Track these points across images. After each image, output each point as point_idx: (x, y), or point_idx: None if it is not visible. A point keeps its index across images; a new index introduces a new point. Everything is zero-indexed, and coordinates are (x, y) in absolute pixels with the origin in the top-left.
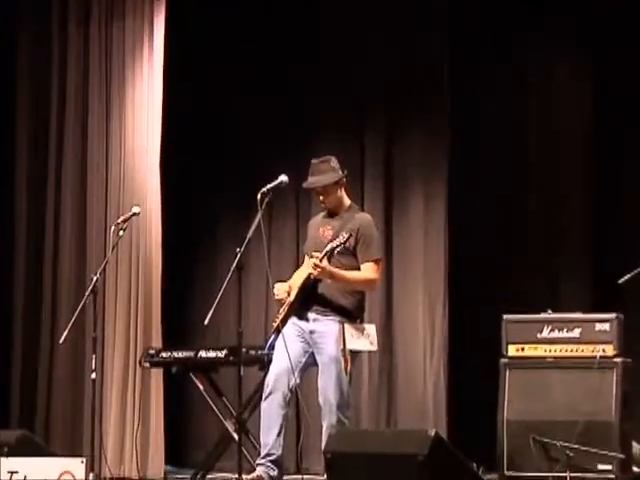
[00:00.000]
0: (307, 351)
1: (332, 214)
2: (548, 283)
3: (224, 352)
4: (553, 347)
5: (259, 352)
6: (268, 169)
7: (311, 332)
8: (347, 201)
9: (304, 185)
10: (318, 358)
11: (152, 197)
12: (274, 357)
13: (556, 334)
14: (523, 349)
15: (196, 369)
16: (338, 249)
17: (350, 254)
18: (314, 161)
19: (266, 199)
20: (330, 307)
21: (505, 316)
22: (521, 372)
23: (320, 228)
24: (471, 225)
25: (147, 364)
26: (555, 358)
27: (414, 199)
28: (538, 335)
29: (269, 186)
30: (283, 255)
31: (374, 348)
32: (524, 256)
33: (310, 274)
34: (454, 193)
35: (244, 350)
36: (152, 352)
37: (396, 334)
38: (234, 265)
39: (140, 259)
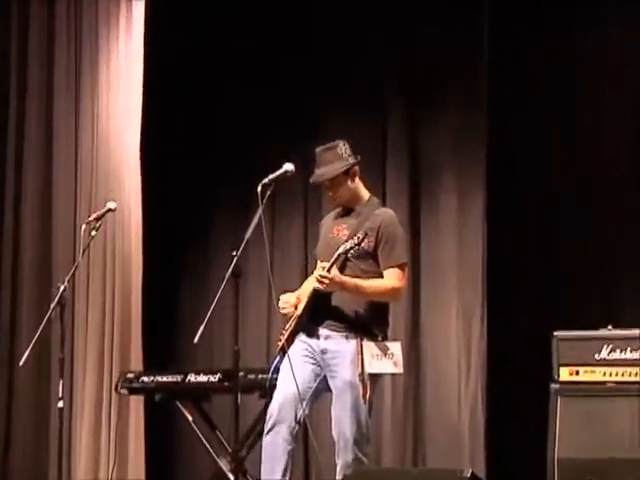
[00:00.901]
0: (318, 375)
1: (347, 210)
2: (607, 294)
3: (217, 376)
4: (614, 370)
5: (260, 376)
6: (270, 160)
7: (323, 352)
8: (364, 193)
9: (311, 180)
10: (331, 383)
11: (131, 191)
12: (278, 382)
13: (617, 355)
14: (578, 372)
15: (184, 396)
16: (351, 252)
17: (371, 258)
18: (318, 149)
19: (268, 192)
20: (346, 321)
21: (556, 333)
22: (575, 400)
23: (334, 228)
24: (514, 226)
25: (125, 390)
26: (616, 383)
27: (445, 195)
28: (596, 356)
29: (272, 176)
30: (289, 260)
31: (399, 371)
32: (578, 262)
33: (316, 288)
34: (494, 187)
35: (242, 374)
36: (131, 376)
37: (424, 354)
38: (229, 272)
39: (117, 264)
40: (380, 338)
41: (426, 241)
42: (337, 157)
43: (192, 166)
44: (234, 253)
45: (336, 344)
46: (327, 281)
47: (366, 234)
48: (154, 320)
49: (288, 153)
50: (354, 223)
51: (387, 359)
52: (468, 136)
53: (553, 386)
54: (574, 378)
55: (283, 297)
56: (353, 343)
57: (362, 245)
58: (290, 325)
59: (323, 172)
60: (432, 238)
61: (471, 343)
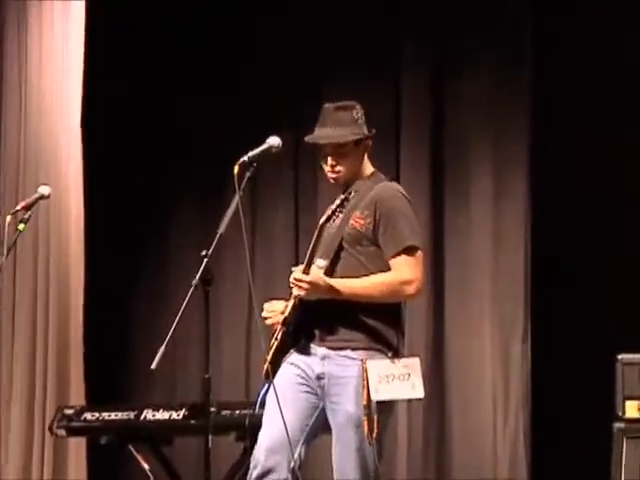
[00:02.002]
0: (316, 407)
1: (345, 193)
2: None
3: (182, 412)
4: None
5: (237, 412)
6: (252, 132)
7: (319, 377)
8: (369, 169)
9: (308, 139)
10: (331, 418)
11: (69, 174)
12: (264, 420)
13: None
14: None
15: (139, 439)
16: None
17: (372, 244)
18: (328, 105)
19: (248, 174)
20: (348, 334)
21: (621, 356)
22: None
23: (327, 212)
24: (566, 222)
25: (62, 431)
26: None
27: (477, 181)
28: None
29: (252, 153)
30: (274, 262)
31: (419, 394)
32: None
33: (295, 297)
34: (540, 172)
35: (213, 409)
36: (70, 413)
37: (450, 381)
38: (197, 278)
39: (51, 269)
40: (390, 354)
41: (452, 241)
42: (351, 120)
43: (146, 144)
44: (204, 254)
45: (336, 366)
46: (305, 285)
47: (362, 213)
48: (99, 341)
49: (274, 123)
50: (349, 204)
51: (399, 381)
52: (506, 105)
53: (617, 425)
54: None
55: (268, 306)
56: (358, 364)
57: (359, 228)
58: (275, 340)
59: (330, 133)
60: (460, 237)
61: (510, 367)
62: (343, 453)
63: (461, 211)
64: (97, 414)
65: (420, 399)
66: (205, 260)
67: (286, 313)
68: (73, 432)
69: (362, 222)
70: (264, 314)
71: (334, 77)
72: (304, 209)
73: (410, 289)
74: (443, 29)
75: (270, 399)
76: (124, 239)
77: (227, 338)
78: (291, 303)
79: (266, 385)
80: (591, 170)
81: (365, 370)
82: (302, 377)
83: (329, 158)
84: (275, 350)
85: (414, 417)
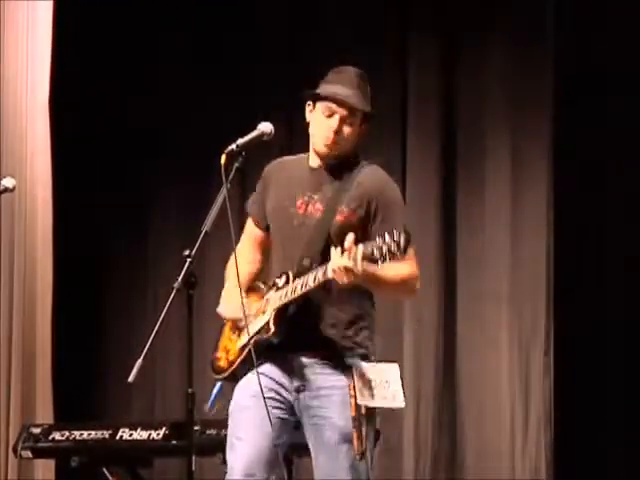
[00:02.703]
0: (287, 423)
1: (318, 170)
2: None
3: (162, 431)
4: None
5: (224, 432)
6: (239, 117)
7: (298, 389)
8: (355, 155)
9: (329, 93)
10: (312, 434)
11: (37, 163)
12: (230, 435)
13: None
14: None
15: (114, 460)
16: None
17: (361, 237)
18: (347, 67)
19: (236, 164)
20: (328, 339)
21: None
22: None
23: (298, 197)
24: (594, 216)
25: (27, 452)
26: None
27: (493, 168)
28: None
29: (241, 141)
30: (266, 264)
31: (399, 404)
32: None
33: (330, 281)
34: (564, 158)
35: (197, 428)
36: (36, 432)
37: (462, 398)
38: (180, 280)
39: (15, 271)
40: (373, 358)
41: (465, 236)
42: (366, 92)
43: (122, 131)
44: (187, 254)
45: (317, 375)
46: (351, 278)
47: (362, 203)
48: (69, 352)
49: (265, 108)
50: (330, 192)
51: (381, 388)
52: (527, 84)
53: None
54: None
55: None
56: (342, 374)
57: (347, 222)
58: (248, 339)
59: (355, 96)
60: (473, 232)
61: (530, 383)
62: (333, 473)
63: (474, 201)
64: (67, 433)
65: (401, 408)
66: (188, 261)
67: (271, 325)
68: (40, 453)
69: (352, 216)
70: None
71: (331, 60)
72: None
73: (417, 285)
74: (456, 3)
75: (235, 412)
76: (97, 238)
77: (212, 349)
78: (270, 313)
79: (218, 385)
80: (620, 158)
81: (353, 378)
82: (273, 389)
83: (337, 121)
84: (243, 356)
85: (422, 437)
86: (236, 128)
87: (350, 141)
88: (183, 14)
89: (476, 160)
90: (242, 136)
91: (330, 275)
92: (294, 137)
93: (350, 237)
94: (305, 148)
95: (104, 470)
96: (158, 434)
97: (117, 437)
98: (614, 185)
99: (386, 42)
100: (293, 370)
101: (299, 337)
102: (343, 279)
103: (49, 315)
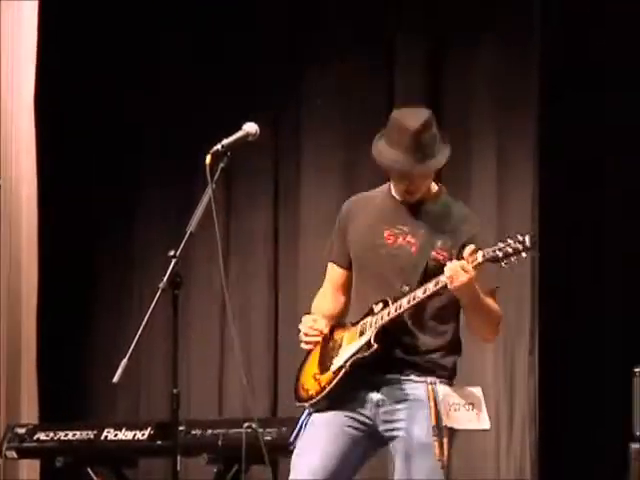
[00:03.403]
0: (358, 442)
1: (403, 204)
2: None
3: (147, 432)
4: None
5: (209, 432)
6: (226, 116)
7: (378, 404)
8: (433, 184)
9: (391, 164)
10: (392, 445)
11: (22, 162)
12: (300, 447)
13: None
14: None
15: (99, 461)
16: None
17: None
18: (411, 123)
19: (221, 164)
20: (412, 359)
21: (639, 369)
22: None
23: (384, 230)
24: (579, 216)
25: (12, 452)
26: None
27: (479, 169)
28: None
29: (226, 141)
30: (251, 264)
31: (485, 425)
32: None
33: (444, 283)
34: (550, 158)
35: (182, 428)
36: (21, 432)
37: None
38: (165, 281)
39: (1, 269)
40: (453, 382)
41: None
42: (435, 141)
43: (112, 129)
44: (172, 254)
45: (399, 390)
46: (467, 277)
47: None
48: (54, 352)
49: (251, 109)
50: (423, 226)
51: (465, 410)
52: (513, 84)
53: (634, 446)
54: None
55: (309, 319)
56: (423, 387)
57: (442, 260)
58: (346, 359)
59: (417, 163)
60: None
61: (515, 384)
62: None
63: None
64: (52, 433)
65: (486, 430)
66: (173, 261)
67: (372, 342)
68: (25, 453)
69: (446, 255)
70: (303, 329)
71: (317, 59)
72: (285, 205)
73: (499, 329)
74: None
75: (315, 424)
76: (82, 237)
77: (198, 349)
78: (372, 331)
79: (306, 413)
80: (606, 155)
81: (432, 391)
82: (360, 414)
83: (406, 185)
84: (337, 382)
85: None
86: (225, 129)
87: (427, 185)
88: (183, 14)
89: (462, 161)
90: (227, 137)
91: (445, 279)
92: (280, 141)
93: (470, 247)
94: (292, 153)
95: (89, 470)
96: (143, 434)
97: (102, 437)
98: (600, 184)
99: (374, 42)
100: (375, 385)
101: (391, 359)
102: (458, 278)
103: (34, 314)
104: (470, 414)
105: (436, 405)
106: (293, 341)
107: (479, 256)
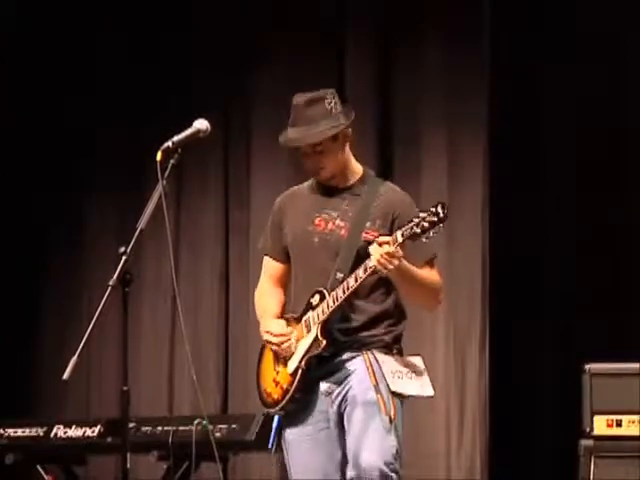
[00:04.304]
0: (335, 439)
1: (331, 190)
2: None
3: (97, 429)
4: None
5: (159, 429)
6: (177, 115)
7: (327, 393)
8: (356, 165)
9: (282, 141)
10: (345, 417)
11: None
12: (295, 464)
13: None
14: (620, 424)
15: (48, 458)
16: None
17: None
18: (297, 101)
19: (172, 161)
20: (352, 339)
21: (589, 366)
22: (616, 463)
23: (315, 216)
24: (529, 214)
25: None
26: None
27: (429, 168)
28: None
29: (177, 138)
30: (202, 260)
31: (428, 392)
32: (622, 268)
33: (373, 269)
34: (499, 157)
35: (132, 425)
36: None
37: None
38: (115, 277)
39: None
40: (395, 352)
41: None
42: (324, 113)
43: (58, 132)
44: (122, 251)
45: (340, 371)
46: (397, 262)
47: (424, 217)
48: (3, 352)
49: (202, 106)
50: (351, 209)
51: (408, 378)
52: (463, 82)
53: (584, 443)
54: (613, 432)
55: (278, 325)
56: (360, 357)
57: (371, 239)
58: (299, 360)
59: (303, 134)
60: None
61: (465, 381)
62: (361, 436)
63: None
64: (1, 430)
65: (431, 397)
66: (124, 258)
67: (320, 339)
68: None
69: (376, 234)
70: (275, 339)
71: (268, 56)
72: (235, 200)
73: (441, 297)
74: (392, 16)
75: (293, 445)
76: (31, 234)
77: (148, 345)
78: (317, 328)
79: (276, 419)
80: (556, 157)
81: (369, 358)
82: (323, 412)
83: (311, 160)
84: (298, 381)
85: None
86: (172, 127)
87: (335, 160)
88: (119, 14)
89: (413, 168)
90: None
91: (372, 266)
92: (230, 137)
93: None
94: (242, 148)
95: (38, 468)
96: (93, 431)
97: (51, 434)
98: (549, 183)
99: (324, 34)
100: (320, 376)
101: (336, 343)
102: (387, 266)
103: None
104: (413, 382)
105: (373, 369)
106: (244, 337)
107: (398, 235)
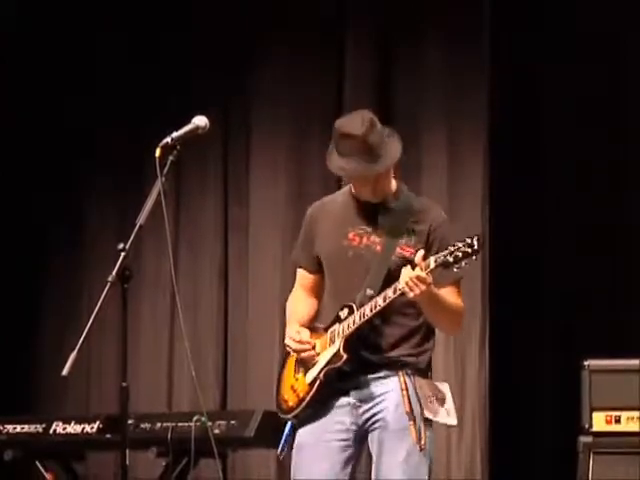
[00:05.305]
0: (350, 457)
1: (364, 202)
2: None
3: (96, 425)
4: None
5: (158, 425)
6: (175, 112)
7: (355, 406)
8: (393, 182)
9: (351, 175)
10: (373, 442)
11: None
12: (298, 471)
13: None
14: (618, 420)
15: (47, 454)
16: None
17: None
18: (351, 129)
19: (171, 157)
20: (386, 357)
21: (588, 362)
22: (614, 459)
23: (349, 231)
24: (530, 210)
25: None
26: None
27: (430, 166)
28: None
29: (176, 134)
30: (201, 258)
31: (453, 421)
32: (623, 264)
33: (402, 291)
34: (500, 155)
35: (131, 422)
36: None
37: None
38: (114, 274)
39: None
40: (429, 376)
41: None
42: (380, 135)
43: (58, 132)
44: (121, 247)
45: (371, 389)
46: (424, 287)
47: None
48: (3, 350)
49: (201, 103)
50: (386, 225)
51: (437, 404)
52: (463, 81)
53: (583, 439)
54: (613, 428)
55: (297, 332)
56: (395, 380)
57: (408, 257)
58: (319, 371)
59: (358, 166)
60: None
61: (465, 378)
62: (391, 464)
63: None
64: (0, 427)
65: (453, 426)
66: (122, 254)
67: (342, 353)
68: None
69: (412, 250)
70: (293, 345)
71: (268, 56)
72: (234, 198)
73: (462, 321)
74: (392, 16)
75: (302, 447)
76: (30, 230)
77: (147, 342)
78: (340, 341)
79: (289, 425)
80: (557, 155)
81: (405, 382)
82: (340, 422)
83: (363, 188)
84: (314, 393)
85: None
86: (172, 127)
87: (387, 184)
88: (119, 14)
89: (414, 167)
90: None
91: (401, 288)
92: (230, 135)
93: (420, 252)
94: (241, 146)
95: (37, 464)
96: (92, 428)
97: (51, 431)
98: (549, 182)
99: (325, 34)
100: (347, 390)
101: (365, 361)
102: (415, 291)
103: None
104: (441, 408)
105: (408, 393)
106: (243, 333)
107: (431, 262)
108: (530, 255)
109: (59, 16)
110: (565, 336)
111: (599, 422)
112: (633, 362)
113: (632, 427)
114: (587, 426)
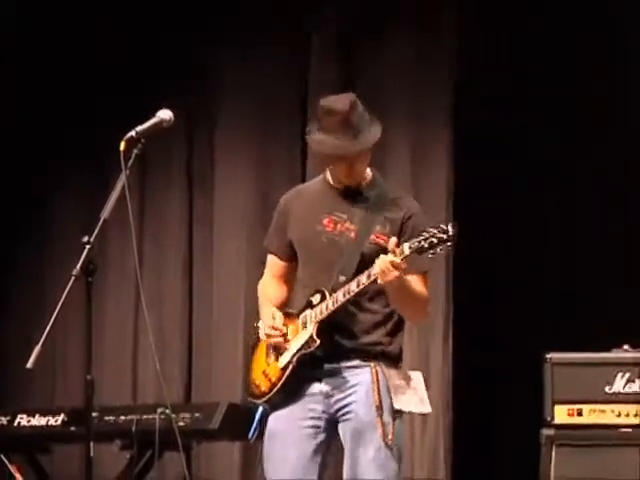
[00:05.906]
0: (321, 444)
1: (340, 190)
2: (620, 302)
3: (61, 418)
4: (632, 409)
5: (122, 418)
6: (143, 104)
7: (327, 395)
8: (368, 170)
9: (327, 150)
10: (342, 431)
11: None
12: (269, 459)
13: (638, 387)
14: (580, 413)
15: (12, 447)
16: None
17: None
18: (336, 106)
19: (135, 151)
20: (358, 345)
21: (550, 355)
22: (577, 452)
23: (324, 217)
24: (494, 204)
25: None
26: (635, 428)
27: (394, 161)
28: (607, 389)
29: (141, 128)
30: (165, 251)
31: (427, 409)
32: (583, 256)
33: (376, 277)
34: (463, 151)
35: (96, 414)
36: None
37: None
38: (78, 267)
39: None
40: (400, 365)
41: None
42: (362, 116)
43: (22, 130)
44: (85, 240)
45: (343, 377)
46: (397, 273)
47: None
48: None
49: (165, 95)
50: (360, 212)
51: (409, 394)
52: (426, 76)
53: (545, 432)
54: (575, 420)
55: (269, 315)
56: (367, 371)
57: (382, 244)
58: (291, 356)
59: (349, 142)
60: None
61: (429, 371)
62: (361, 462)
63: None
64: None
65: (427, 414)
66: (87, 248)
67: (315, 337)
68: None
69: (386, 238)
70: (266, 330)
71: (233, 45)
72: (199, 190)
73: (428, 311)
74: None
75: (273, 433)
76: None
77: (112, 335)
78: (313, 326)
79: (260, 410)
80: (518, 153)
81: (376, 374)
82: (312, 410)
83: (340, 168)
84: (287, 376)
85: None
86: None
87: (363, 169)
88: (119, 14)
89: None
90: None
91: (375, 274)
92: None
93: (393, 239)
94: (206, 139)
95: (1, 457)
96: (56, 420)
97: (15, 423)
98: (512, 174)
99: (290, 31)
100: (320, 377)
101: (338, 346)
102: (389, 277)
103: None
104: (413, 397)
105: (379, 387)
106: (207, 327)
107: (405, 248)
108: (495, 249)
109: (59, 16)
110: (528, 329)
111: (561, 415)
112: (595, 355)
113: (594, 420)
114: (549, 419)
